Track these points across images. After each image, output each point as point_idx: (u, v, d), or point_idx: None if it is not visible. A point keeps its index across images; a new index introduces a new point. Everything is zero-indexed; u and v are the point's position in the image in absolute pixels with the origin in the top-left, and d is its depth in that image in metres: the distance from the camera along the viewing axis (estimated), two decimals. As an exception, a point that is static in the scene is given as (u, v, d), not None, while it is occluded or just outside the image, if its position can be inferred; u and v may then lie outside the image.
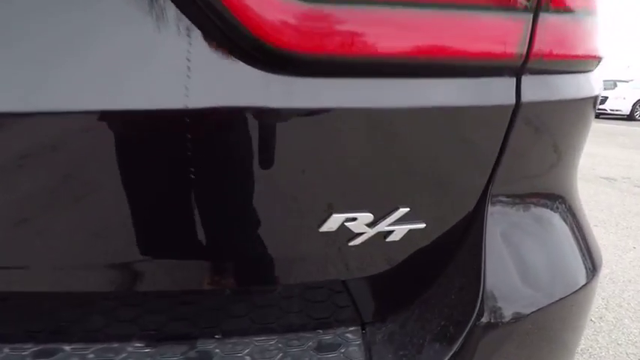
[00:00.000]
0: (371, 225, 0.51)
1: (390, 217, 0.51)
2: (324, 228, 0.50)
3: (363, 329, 0.61)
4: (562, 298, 0.56)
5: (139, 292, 0.55)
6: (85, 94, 0.41)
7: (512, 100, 0.49)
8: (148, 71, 0.41)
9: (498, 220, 0.55)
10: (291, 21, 0.41)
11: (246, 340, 0.59)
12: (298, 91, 0.44)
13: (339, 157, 0.48)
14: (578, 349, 1.81)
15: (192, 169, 0.45)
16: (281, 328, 0.60)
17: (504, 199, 0.56)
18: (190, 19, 0.41)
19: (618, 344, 1.83)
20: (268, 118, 0.44)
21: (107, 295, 0.57)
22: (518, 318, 0.55)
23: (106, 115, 0.42)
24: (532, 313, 0.55)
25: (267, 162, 0.47)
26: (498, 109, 0.50)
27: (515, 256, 0.56)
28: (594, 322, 1.97)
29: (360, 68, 0.45)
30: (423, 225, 0.52)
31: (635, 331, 1.89)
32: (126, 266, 0.53)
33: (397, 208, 0.51)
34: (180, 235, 0.50)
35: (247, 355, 0.57)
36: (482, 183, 0.53)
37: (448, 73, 0.49)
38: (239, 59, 0.43)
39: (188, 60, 0.42)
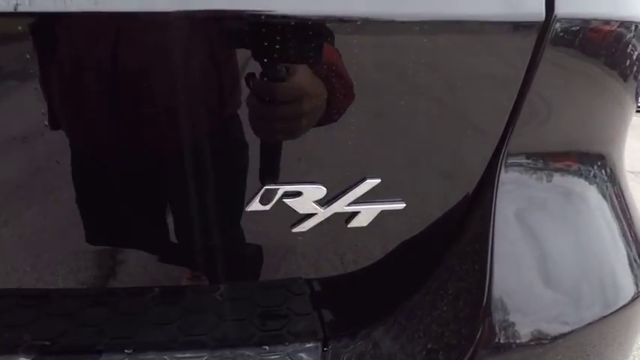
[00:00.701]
0: (324, 203, 0.35)
1: (353, 192, 0.35)
2: (253, 206, 0.34)
3: (324, 346, 0.44)
4: (603, 317, 0.39)
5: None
6: None
7: (541, 14, 0.32)
8: None
9: (513, 195, 0.37)
10: None
11: (165, 358, 0.44)
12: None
13: (278, 97, 0.31)
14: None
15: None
16: (213, 341, 0.44)
17: (523, 161, 0.38)
18: None
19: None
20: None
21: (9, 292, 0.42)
22: (539, 343, 0.38)
23: None
24: (560, 336, 0.38)
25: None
26: (521, 26, 0.33)
27: (536, 252, 0.38)
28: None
29: None
30: (401, 205, 0.36)
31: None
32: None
33: (364, 179, 0.35)
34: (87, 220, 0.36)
35: (163, 378, 0.42)
36: (495, 138, 0.35)
37: None
38: None
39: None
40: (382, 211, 0.36)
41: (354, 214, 0.36)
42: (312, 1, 0.30)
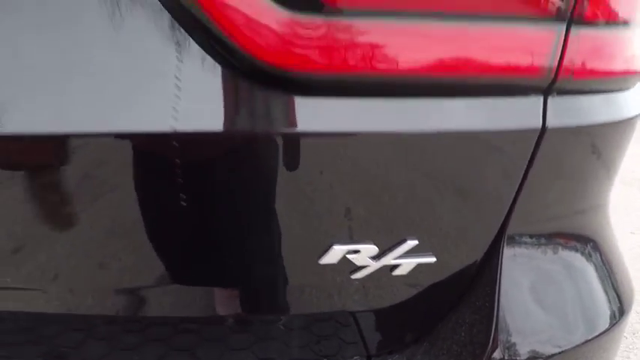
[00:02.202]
0: (375, 258, 0.48)
1: (397, 250, 0.48)
2: (325, 260, 0.47)
3: None
4: (584, 342, 0.51)
5: (138, 318, 0.54)
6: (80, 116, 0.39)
7: (538, 124, 0.44)
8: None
9: (515, 260, 0.50)
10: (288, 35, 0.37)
11: None
12: (302, 113, 0.41)
13: (342, 185, 0.44)
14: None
15: (190, 196, 0.43)
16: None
17: (523, 239, 0.51)
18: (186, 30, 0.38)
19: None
20: (267, 142, 0.41)
21: (107, 320, 0.56)
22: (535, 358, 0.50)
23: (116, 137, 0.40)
24: (550, 355, 0.50)
25: (265, 189, 0.44)
26: (521, 134, 0.45)
27: (534, 297, 0.51)
28: (627, 338, 1.87)
29: (367, 87, 0.42)
30: (433, 259, 0.49)
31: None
32: (128, 291, 0.52)
33: (405, 241, 0.48)
34: (180, 261, 0.49)
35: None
36: (499, 220, 0.49)
37: (466, 91, 0.44)
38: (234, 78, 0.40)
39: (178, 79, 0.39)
40: (418, 264, 0.49)
41: (397, 265, 0.49)
42: None
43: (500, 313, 0.49)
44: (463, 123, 0.44)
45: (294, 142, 0.41)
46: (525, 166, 0.45)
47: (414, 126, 0.43)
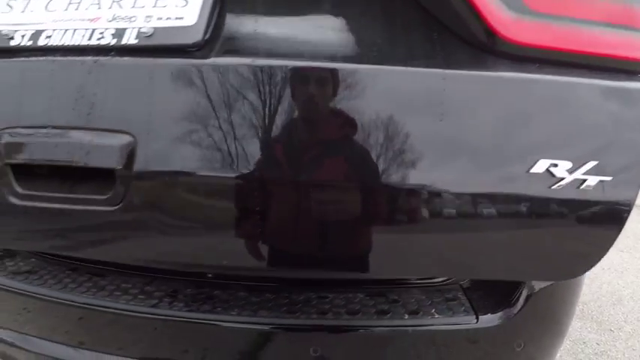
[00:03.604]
0: (569, 171, 0.63)
1: (584, 167, 0.63)
2: (533, 170, 0.61)
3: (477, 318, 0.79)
4: None
5: None
6: None
7: None
8: None
9: None
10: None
11: None
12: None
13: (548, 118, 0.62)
14: (598, 350, 1.97)
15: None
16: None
17: None
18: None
19: (633, 349, 1.99)
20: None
21: None
22: None
23: None
24: None
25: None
26: None
27: None
28: (613, 332, 2.12)
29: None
30: (609, 178, 0.63)
31: (651, 339, 2.06)
32: None
33: (589, 161, 0.63)
34: None
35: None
36: None
37: None
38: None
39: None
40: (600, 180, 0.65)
41: (584, 180, 0.65)
42: None
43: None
44: None
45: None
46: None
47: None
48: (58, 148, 0.62)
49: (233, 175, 0.60)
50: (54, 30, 0.66)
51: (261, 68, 0.60)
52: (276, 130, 0.60)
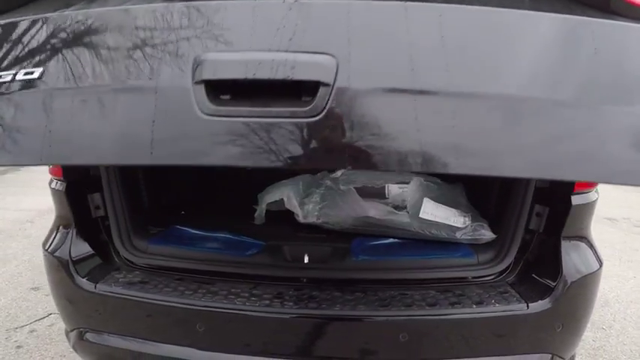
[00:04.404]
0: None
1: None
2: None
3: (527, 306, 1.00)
4: None
5: None
6: None
7: None
8: None
9: None
10: None
11: None
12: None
13: None
14: (595, 346, 2.24)
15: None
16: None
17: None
18: None
19: (624, 344, 2.26)
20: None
21: None
22: None
23: None
24: None
25: None
26: None
27: None
28: (605, 330, 2.39)
29: None
30: None
31: (636, 334, 2.33)
32: None
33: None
34: None
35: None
36: None
37: None
38: None
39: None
40: None
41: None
42: None
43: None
44: None
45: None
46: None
47: None
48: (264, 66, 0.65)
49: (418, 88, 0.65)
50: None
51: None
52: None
